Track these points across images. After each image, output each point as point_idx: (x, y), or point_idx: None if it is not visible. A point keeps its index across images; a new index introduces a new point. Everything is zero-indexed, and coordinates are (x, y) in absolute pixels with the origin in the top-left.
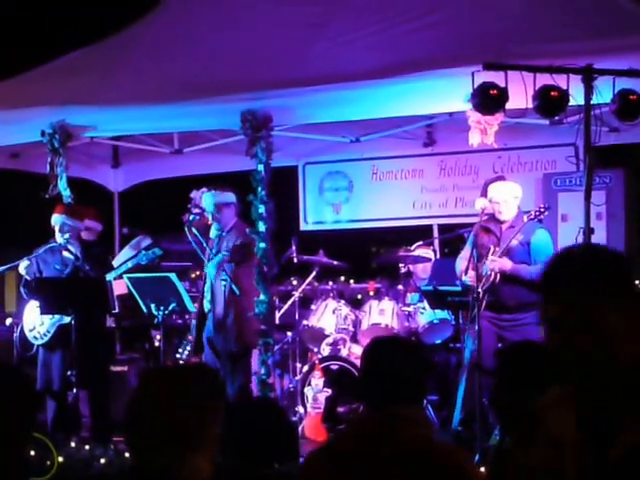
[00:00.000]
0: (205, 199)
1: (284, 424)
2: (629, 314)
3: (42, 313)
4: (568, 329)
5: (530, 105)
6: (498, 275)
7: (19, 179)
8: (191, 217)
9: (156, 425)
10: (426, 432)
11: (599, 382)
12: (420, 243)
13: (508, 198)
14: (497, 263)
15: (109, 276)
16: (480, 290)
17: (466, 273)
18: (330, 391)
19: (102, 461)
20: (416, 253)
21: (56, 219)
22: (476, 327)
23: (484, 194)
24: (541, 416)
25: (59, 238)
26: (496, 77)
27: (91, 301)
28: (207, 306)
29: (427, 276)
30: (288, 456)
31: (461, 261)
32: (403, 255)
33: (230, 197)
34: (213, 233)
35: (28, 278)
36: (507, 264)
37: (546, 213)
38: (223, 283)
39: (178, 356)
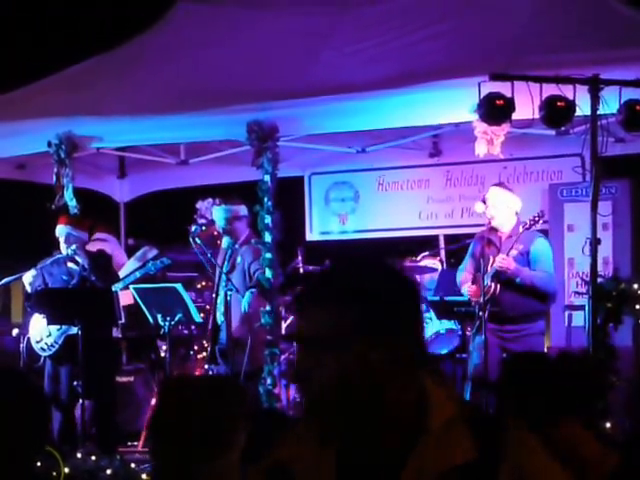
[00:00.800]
0: (216, 213)
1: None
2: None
3: (49, 324)
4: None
5: (536, 115)
6: (498, 286)
7: (25, 190)
8: (194, 228)
9: (183, 433)
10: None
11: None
12: (426, 253)
13: (498, 204)
14: (506, 260)
15: (116, 287)
16: (481, 301)
17: (474, 283)
18: None
19: (108, 472)
20: (422, 263)
21: (61, 230)
22: (479, 339)
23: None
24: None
25: (64, 249)
26: (502, 87)
27: (97, 312)
28: (220, 318)
29: (433, 286)
30: None
31: (461, 272)
32: (409, 265)
33: (242, 210)
34: (225, 245)
35: (29, 291)
36: (511, 263)
37: (541, 222)
38: (229, 293)
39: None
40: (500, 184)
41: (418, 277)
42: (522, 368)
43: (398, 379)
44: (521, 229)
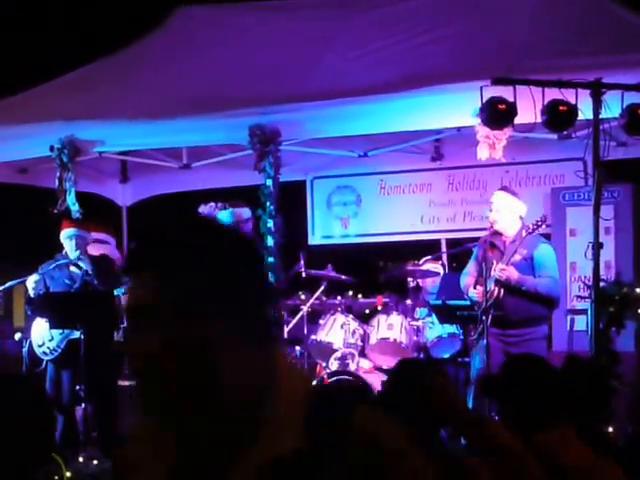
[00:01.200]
0: (221, 217)
1: None
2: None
3: (51, 328)
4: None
5: (539, 120)
6: (502, 290)
7: (27, 194)
8: None
9: None
10: None
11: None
12: (428, 258)
13: (501, 208)
14: (506, 271)
15: (118, 291)
16: (485, 305)
17: (474, 287)
18: None
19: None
20: (424, 267)
21: (69, 233)
22: (482, 343)
23: None
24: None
25: (72, 253)
26: (505, 92)
27: (99, 316)
28: None
29: (435, 290)
30: None
31: (466, 276)
32: (411, 269)
33: (247, 213)
34: None
35: (32, 295)
36: (514, 273)
37: (543, 226)
38: None
39: None
40: (504, 188)
41: (420, 281)
42: (523, 370)
43: (236, 358)
44: (524, 233)
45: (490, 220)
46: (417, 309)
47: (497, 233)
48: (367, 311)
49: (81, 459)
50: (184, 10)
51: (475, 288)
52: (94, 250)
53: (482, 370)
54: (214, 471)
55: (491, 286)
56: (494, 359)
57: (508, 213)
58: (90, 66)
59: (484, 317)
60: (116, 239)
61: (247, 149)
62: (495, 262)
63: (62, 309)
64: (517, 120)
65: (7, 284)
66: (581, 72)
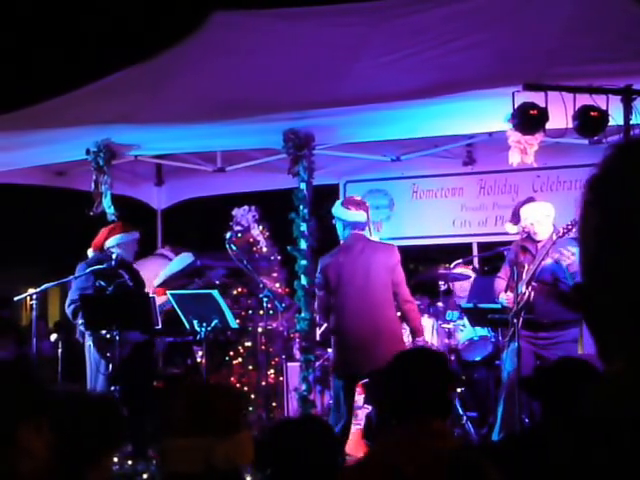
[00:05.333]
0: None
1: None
2: None
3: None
4: None
5: (570, 125)
6: (532, 293)
7: (64, 197)
8: (229, 234)
9: None
10: (453, 445)
11: None
12: (459, 261)
13: (540, 218)
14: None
15: (156, 281)
16: (517, 308)
17: (506, 291)
18: (370, 407)
19: (145, 476)
20: (456, 271)
21: (126, 237)
22: (513, 346)
23: (515, 218)
24: None
25: (130, 256)
26: (536, 97)
27: (134, 317)
28: None
29: (465, 294)
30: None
31: (499, 281)
32: (443, 273)
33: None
34: None
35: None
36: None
37: (574, 229)
38: (265, 300)
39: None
40: (529, 199)
41: (451, 284)
42: (572, 372)
43: None
44: (555, 237)
45: (532, 233)
46: (448, 312)
47: (529, 237)
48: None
49: (116, 459)
50: (219, 16)
51: (506, 292)
52: (154, 262)
53: (513, 373)
54: None
55: (522, 289)
56: (525, 362)
57: (545, 219)
58: (126, 71)
59: (515, 320)
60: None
61: (281, 153)
62: (527, 265)
63: (97, 311)
64: (548, 125)
65: (43, 286)
66: (612, 78)
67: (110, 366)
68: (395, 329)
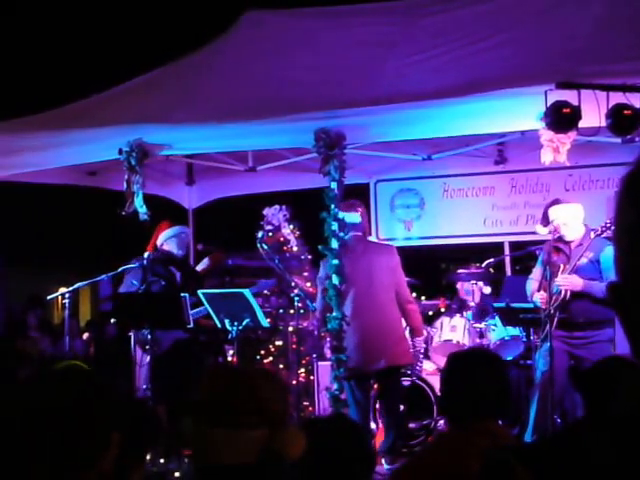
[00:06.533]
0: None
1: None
2: None
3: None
4: None
5: (603, 124)
6: (568, 292)
7: (96, 196)
8: (260, 234)
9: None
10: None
11: None
12: (491, 260)
13: (567, 220)
14: (568, 281)
15: (196, 313)
16: (551, 308)
17: (539, 290)
18: (402, 407)
19: (177, 475)
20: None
21: (171, 232)
22: (546, 345)
23: (544, 219)
24: None
25: (177, 250)
26: (569, 96)
27: (167, 316)
28: None
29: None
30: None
31: (532, 282)
32: (474, 272)
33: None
34: None
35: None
36: (578, 282)
37: (612, 228)
38: (296, 299)
39: None
40: (556, 201)
41: (482, 284)
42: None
43: None
44: (592, 235)
45: (561, 234)
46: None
47: (561, 238)
48: (430, 313)
49: (148, 457)
50: (251, 16)
51: (539, 292)
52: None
53: (547, 373)
54: None
55: (558, 288)
56: (558, 361)
57: (573, 220)
58: (158, 71)
59: (548, 320)
60: None
61: (312, 152)
62: (562, 266)
63: (130, 310)
64: (581, 124)
65: (76, 285)
66: None
67: (148, 359)
68: (399, 328)
